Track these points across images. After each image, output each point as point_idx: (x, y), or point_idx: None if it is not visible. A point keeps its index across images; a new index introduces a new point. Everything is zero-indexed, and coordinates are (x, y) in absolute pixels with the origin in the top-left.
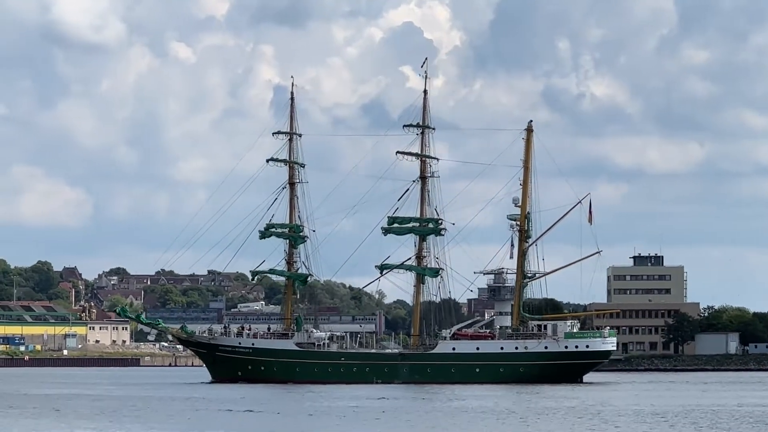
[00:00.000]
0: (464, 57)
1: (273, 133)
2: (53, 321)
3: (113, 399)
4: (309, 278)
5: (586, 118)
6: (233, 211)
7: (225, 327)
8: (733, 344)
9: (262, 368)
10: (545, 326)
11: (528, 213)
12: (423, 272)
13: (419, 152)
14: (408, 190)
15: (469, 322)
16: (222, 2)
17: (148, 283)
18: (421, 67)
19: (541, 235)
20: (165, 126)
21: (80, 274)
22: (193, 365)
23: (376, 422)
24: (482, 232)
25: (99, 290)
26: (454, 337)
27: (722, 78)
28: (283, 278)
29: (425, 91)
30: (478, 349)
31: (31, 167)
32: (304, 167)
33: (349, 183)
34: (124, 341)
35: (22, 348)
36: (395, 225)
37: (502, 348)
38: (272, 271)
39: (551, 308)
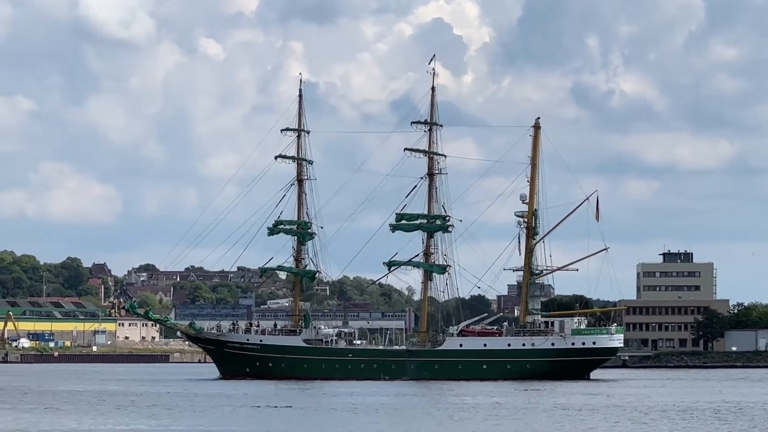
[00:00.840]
0: (493, 53)
1: (281, 130)
2: (82, 317)
3: (144, 395)
4: (317, 275)
5: (615, 115)
6: (255, 207)
7: (233, 323)
8: (762, 341)
9: (270, 365)
10: (552, 323)
11: (535, 210)
12: (431, 269)
13: (427, 149)
14: (416, 187)
15: (476, 318)
16: None
17: (178, 279)
18: (429, 64)
19: (549, 232)
20: (194, 122)
21: (110, 271)
22: None
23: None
24: (491, 228)
25: (128, 287)
26: (462, 333)
27: (751, 74)
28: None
29: (433, 88)
30: (485, 345)
31: (60, 163)
32: (312, 164)
33: (361, 179)
34: (153, 338)
35: (52, 344)
36: (403, 222)
37: (509, 345)
38: (280, 268)
39: (581, 305)
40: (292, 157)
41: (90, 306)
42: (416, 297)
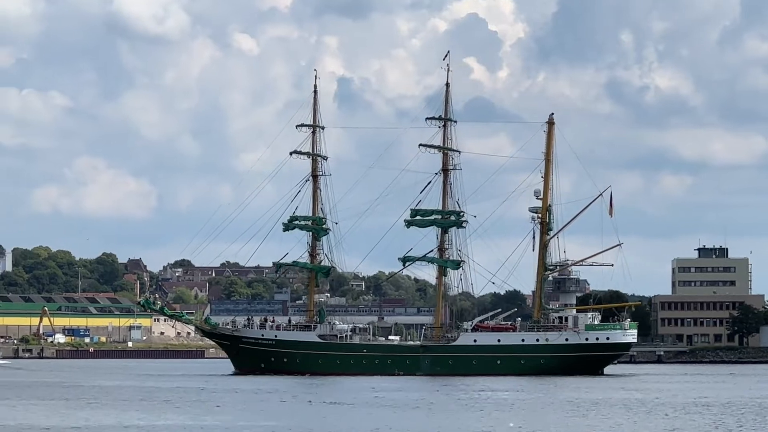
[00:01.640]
0: (528, 49)
1: (296, 126)
2: (118, 313)
3: (187, 390)
4: (331, 270)
5: (649, 110)
6: (285, 202)
7: (248, 319)
8: None
9: (285, 360)
10: (566, 318)
11: (549, 205)
12: (445, 264)
13: (441, 145)
14: (430, 182)
15: (491, 314)
16: None
17: (213, 275)
18: (443, 59)
19: (563, 227)
20: (229, 117)
21: (145, 266)
22: None
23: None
24: (505, 224)
25: (164, 282)
26: (476, 329)
27: None
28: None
29: (447, 84)
30: (499, 341)
31: (94, 159)
32: (326, 159)
33: (388, 175)
34: (188, 333)
35: (87, 340)
36: (418, 217)
37: (523, 340)
38: (295, 264)
39: (616, 300)
40: (307, 153)
41: (125, 302)
42: (452, 292)
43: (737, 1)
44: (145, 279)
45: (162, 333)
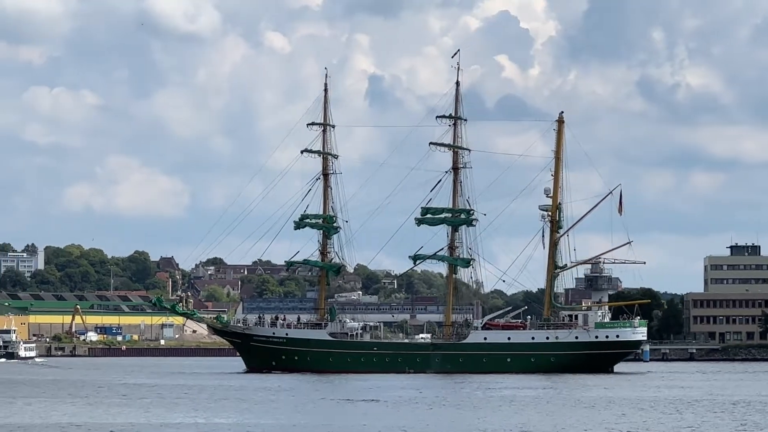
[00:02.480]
0: (560, 47)
1: (307, 125)
2: (150, 311)
3: (223, 388)
4: (342, 268)
5: (681, 108)
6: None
7: (259, 317)
8: None
9: (296, 358)
10: (576, 316)
11: (559, 204)
12: (455, 262)
13: (452, 143)
14: (440, 181)
15: (501, 312)
16: None
17: (245, 273)
18: (453, 57)
19: (572, 225)
20: (260, 115)
21: (177, 264)
22: None
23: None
24: (515, 222)
25: (196, 280)
26: (486, 327)
27: None
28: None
29: (457, 83)
30: (509, 339)
31: (126, 157)
32: (337, 158)
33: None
34: None
35: (120, 338)
36: (428, 216)
37: (533, 338)
38: (306, 262)
39: (648, 298)
40: (318, 152)
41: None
42: (484, 290)
43: None
44: (177, 277)
45: (194, 331)
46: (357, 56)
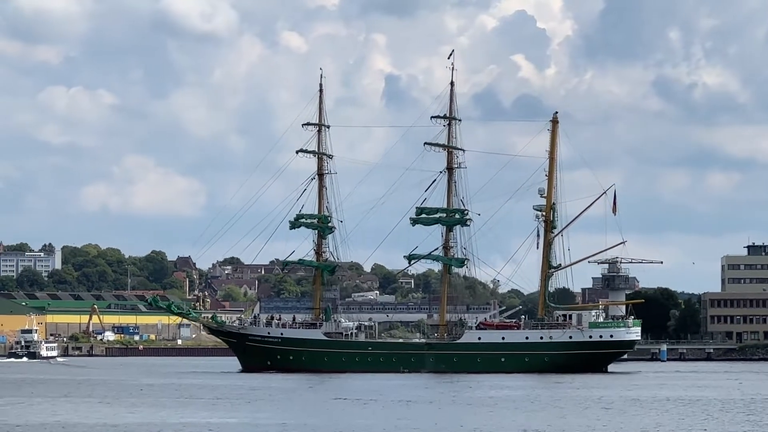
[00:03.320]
0: (576, 46)
1: (302, 125)
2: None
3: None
4: (336, 268)
5: (697, 108)
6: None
7: (255, 317)
8: None
9: (291, 358)
10: (570, 316)
11: (553, 204)
12: (449, 262)
13: (446, 143)
14: (435, 180)
15: (495, 311)
16: None
17: (262, 272)
18: (448, 58)
19: (567, 225)
20: (276, 115)
21: (194, 264)
22: None
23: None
24: (509, 222)
25: (213, 280)
26: (480, 326)
27: None
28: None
29: (452, 83)
30: (503, 338)
31: (143, 157)
32: (332, 158)
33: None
34: None
35: (137, 337)
36: (423, 215)
37: (527, 338)
38: (301, 261)
39: (666, 297)
40: (313, 152)
41: (175, 299)
42: (501, 290)
43: None
44: (195, 277)
45: None
46: (374, 56)
